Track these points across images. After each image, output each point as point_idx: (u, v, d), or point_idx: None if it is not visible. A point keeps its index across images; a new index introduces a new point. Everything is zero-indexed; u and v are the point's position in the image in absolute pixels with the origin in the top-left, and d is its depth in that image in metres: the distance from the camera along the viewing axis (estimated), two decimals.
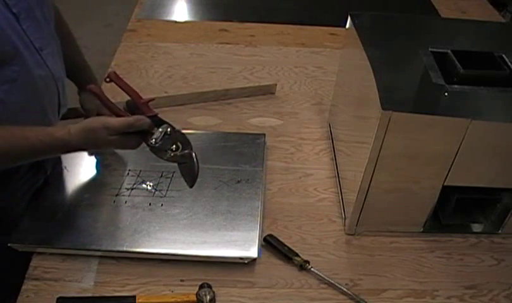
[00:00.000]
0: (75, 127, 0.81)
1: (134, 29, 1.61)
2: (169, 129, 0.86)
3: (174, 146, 0.85)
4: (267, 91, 1.35)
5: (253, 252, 0.88)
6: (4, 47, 0.78)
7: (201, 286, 0.84)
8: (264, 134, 1.16)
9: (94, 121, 0.82)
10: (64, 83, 0.96)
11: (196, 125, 1.22)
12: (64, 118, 1.03)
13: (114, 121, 0.81)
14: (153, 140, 0.84)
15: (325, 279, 0.88)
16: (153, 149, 0.85)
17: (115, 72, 0.91)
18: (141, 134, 0.84)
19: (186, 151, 0.85)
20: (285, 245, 0.92)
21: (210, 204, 0.97)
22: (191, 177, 0.85)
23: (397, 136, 0.80)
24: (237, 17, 1.71)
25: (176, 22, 1.69)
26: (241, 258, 0.88)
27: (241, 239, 0.90)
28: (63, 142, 0.80)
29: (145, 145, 0.86)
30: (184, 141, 0.86)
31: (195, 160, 0.85)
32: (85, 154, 1.09)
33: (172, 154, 0.85)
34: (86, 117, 1.00)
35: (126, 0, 1.98)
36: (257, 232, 0.92)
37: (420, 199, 0.91)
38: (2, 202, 0.94)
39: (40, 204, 0.96)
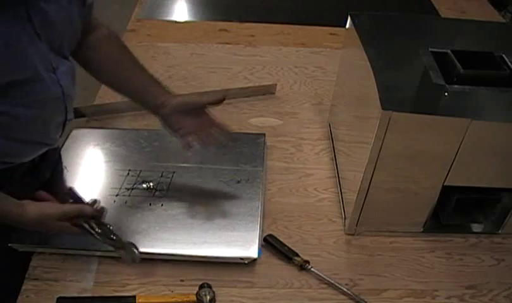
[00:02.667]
0: (30, 208, 0.81)
1: (134, 29, 1.62)
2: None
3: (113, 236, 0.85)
4: (267, 91, 1.35)
5: (253, 252, 0.88)
6: (28, 72, 0.78)
7: (201, 286, 0.84)
8: (264, 134, 1.16)
9: (50, 207, 0.82)
10: (72, 100, 0.96)
11: None
12: None
13: (66, 207, 0.83)
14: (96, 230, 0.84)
15: (325, 279, 0.88)
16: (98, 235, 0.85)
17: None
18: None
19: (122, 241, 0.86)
20: (285, 245, 0.92)
21: (211, 204, 0.97)
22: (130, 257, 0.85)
23: (397, 136, 0.80)
24: (237, 17, 1.71)
25: (176, 22, 1.69)
26: (241, 258, 0.88)
27: (241, 239, 0.90)
28: (17, 217, 0.80)
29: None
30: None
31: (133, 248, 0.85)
32: (86, 153, 1.09)
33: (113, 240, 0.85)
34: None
35: (126, 0, 1.98)
36: (257, 232, 0.92)
37: (420, 199, 0.91)
38: None
39: None
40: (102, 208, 0.85)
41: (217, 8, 1.82)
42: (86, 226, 0.82)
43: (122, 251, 0.85)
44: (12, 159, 0.89)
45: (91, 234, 0.82)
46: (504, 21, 2.07)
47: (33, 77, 0.80)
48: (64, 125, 0.94)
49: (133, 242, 0.85)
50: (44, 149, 0.93)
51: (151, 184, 1.01)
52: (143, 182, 1.02)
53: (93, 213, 0.83)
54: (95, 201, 0.86)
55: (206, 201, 0.98)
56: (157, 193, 0.99)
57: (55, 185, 1.01)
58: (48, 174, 1.02)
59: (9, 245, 0.88)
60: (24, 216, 0.80)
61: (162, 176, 1.03)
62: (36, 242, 0.89)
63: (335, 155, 1.14)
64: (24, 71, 0.78)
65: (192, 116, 0.94)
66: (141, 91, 0.97)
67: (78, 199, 0.86)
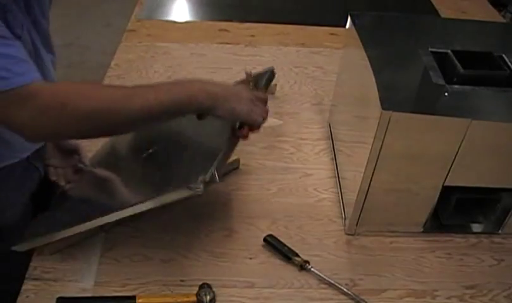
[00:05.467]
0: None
1: (134, 30, 1.61)
2: None
3: None
4: (267, 91, 1.35)
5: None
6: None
7: (201, 286, 0.84)
8: None
9: None
10: None
11: None
12: None
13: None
14: None
15: (325, 279, 0.88)
16: None
17: None
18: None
19: None
20: (285, 245, 0.92)
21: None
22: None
23: (397, 136, 0.80)
24: (237, 17, 1.71)
25: (175, 22, 1.68)
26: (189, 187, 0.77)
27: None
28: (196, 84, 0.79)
29: None
30: None
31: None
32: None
33: None
34: None
35: (126, 0, 1.98)
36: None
37: (420, 199, 0.91)
38: None
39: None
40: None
41: (217, 8, 1.82)
42: None
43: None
44: (7, 156, 0.89)
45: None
46: (504, 21, 2.07)
47: (35, 60, 0.80)
48: None
49: None
50: (38, 145, 0.94)
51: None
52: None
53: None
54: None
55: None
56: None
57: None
58: (43, 172, 1.02)
59: (12, 248, 0.87)
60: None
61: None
62: (35, 236, 0.88)
63: (335, 155, 1.14)
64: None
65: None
66: None
67: None
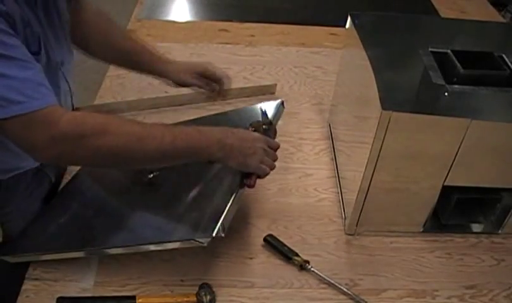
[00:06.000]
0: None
1: (134, 30, 1.61)
2: None
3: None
4: (267, 91, 1.35)
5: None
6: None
7: (201, 286, 0.84)
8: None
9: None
10: (74, 98, 0.97)
11: None
12: None
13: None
14: None
15: (325, 279, 0.88)
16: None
17: None
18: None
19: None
20: (285, 245, 0.92)
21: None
22: None
23: (397, 136, 0.80)
24: (237, 17, 1.71)
25: (175, 22, 1.68)
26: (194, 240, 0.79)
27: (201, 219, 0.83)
28: (203, 135, 0.80)
29: None
30: None
31: None
32: None
33: None
34: None
35: (126, 0, 1.98)
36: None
37: (420, 199, 0.91)
38: (6, 216, 0.93)
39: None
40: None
41: (217, 8, 1.82)
42: None
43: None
44: (17, 165, 0.89)
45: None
46: (504, 21, 2.07)
47: (49, 71, 0.80)
48: None
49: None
50: None
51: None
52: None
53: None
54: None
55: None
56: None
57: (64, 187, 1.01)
58: (54, 178, 1.01)
59: (1, 257, 0.87)
60: (226, 138, 0.80)
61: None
62: (27, 250, 0.87)
63: (335, 155, 1.14)
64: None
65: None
66: (145, 50, 1.06)
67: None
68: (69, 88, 0.90)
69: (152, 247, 0.81)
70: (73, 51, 0.95)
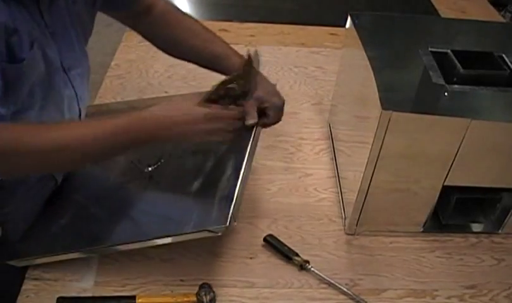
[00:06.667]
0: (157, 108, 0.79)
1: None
2: None
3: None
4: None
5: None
6: (36, 68, 0.77)
7: (201, 286, 0.84)
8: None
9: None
10: (85, 103, 0.95)
11: None
12: None
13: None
14: None
15: (325, 279, 0.88)
16: None
17: None
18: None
19: None
20: (285, 245, 0.92)
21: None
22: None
23: (397, 136, 0.80)
24: (237, 17, 1.71)
25: None
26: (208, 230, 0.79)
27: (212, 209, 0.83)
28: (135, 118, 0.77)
29: None
30: None
31: None
32: None
33: None
34: None
35: None
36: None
37: (420, 199, 0.91)
38: (5, 216, 0.91)
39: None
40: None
41: (217, 8, 1.82)
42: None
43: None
44: None
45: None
46: (504, 21, 2.07)
47: (47, 76, 0.79)
48: None
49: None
50: None
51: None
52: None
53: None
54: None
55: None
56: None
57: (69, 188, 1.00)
58: (61, 177, 1.00)
59: (7, 262, 0.86)
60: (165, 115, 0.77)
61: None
62: (32, 253, 0.87)
63: (335, 155, 1.14)
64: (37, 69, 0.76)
65: None
66: (223, 56, 0.97)
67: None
68: (76, 93, 0.89)
69: (163, 241, 0.81)
70: (87, 54, 0.93)
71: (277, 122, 0.95)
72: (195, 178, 0.92)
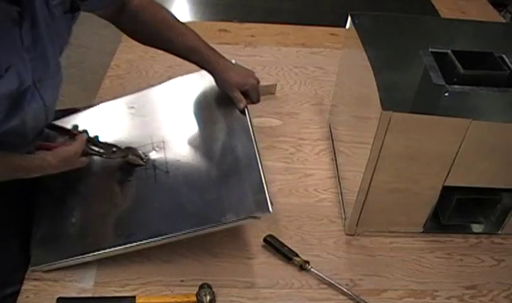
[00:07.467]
0: (51, 156, 0.85)
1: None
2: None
3: (114, 148, 0.94)
4: (267, 91, 1.35)
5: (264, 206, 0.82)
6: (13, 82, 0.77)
7: (201, 287, 0.84)
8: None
9: (68, 149, 0.87)
10: (53, 110, 0.94)
11: None
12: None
13: (77, 142, 0.88)
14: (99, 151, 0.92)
15: (325, 279, 0.88)
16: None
17: None
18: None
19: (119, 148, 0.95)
20: (285, 246, 0.92)
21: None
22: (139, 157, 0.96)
23: (397, 136, 0.80)
24: (237, 17, 1.71)
25: None
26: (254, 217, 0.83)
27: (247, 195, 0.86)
28: (39, 168, 0.84)
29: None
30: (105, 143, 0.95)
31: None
32: None
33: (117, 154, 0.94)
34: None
35: None
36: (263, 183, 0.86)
37: (420, 199, 0.91)
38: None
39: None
40: (84, 130, 0.92)
41: (217, 8, 1.82)
42: (94, 150, 0.90)
43: (130, 157, 0.94)
44: None
45: (100, 155, 0.92)
46: (504, 21, 2.07)
47: (16, 93, 0.78)
48: (42, 132, 0.92)
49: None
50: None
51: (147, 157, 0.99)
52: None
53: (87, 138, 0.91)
54: (76, 126, 0.92)
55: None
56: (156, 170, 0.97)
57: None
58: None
59: (31, 268, 0.86)
60: (47, 163, 0.84)
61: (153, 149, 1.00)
62: (54, 258, 0.87)
63: (335, 155, 1.14)
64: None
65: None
66: (194, 50, 1.05)
67: (65, 131, 0.93)
68: (44, 104, 0.86)
69: (208, 230, 0.84)
70: (61, 65, 0.92)
71: (258, 101, 1.09)
72: (208, 170, 0.95)
